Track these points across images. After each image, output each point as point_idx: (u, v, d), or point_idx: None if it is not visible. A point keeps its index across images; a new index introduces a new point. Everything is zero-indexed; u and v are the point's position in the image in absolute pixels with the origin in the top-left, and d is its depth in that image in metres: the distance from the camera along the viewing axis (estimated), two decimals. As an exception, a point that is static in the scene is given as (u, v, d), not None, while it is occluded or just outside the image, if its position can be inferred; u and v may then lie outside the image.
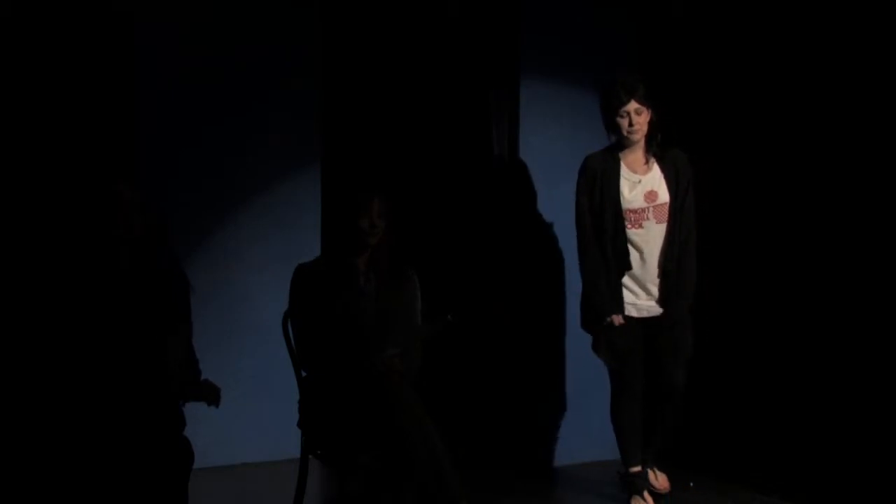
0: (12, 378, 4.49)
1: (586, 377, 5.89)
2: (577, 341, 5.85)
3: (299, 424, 4.51)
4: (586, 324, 5.16)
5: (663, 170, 5.02)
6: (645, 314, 5.04)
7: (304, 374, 4.54)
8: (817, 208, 5.51)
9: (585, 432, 5.90)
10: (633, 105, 4.92)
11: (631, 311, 5.03)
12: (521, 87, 5.83)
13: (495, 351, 5.95)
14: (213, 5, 5.59)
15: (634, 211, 4.97)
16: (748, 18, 5.78)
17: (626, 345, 5.03)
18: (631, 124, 4.94)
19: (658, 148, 5.03)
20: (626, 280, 5.01)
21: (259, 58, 5.67)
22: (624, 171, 5.00)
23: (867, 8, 5.25)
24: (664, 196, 5.00)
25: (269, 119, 5.72)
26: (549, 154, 5.82)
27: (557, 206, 5.81)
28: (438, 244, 6.13)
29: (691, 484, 5.35)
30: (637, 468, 5.12)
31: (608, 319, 4.99)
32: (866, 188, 5.31)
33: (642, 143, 5.01)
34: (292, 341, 4.51)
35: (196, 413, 4.11)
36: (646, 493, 5.11)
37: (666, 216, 5.00)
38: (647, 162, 5.03)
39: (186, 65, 5.53)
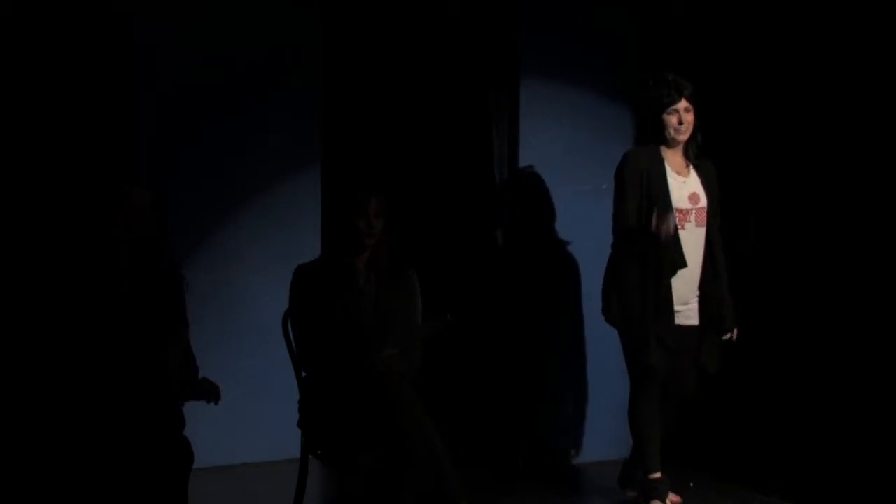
0: (12, 378, 4.49)
1: (588, 377, 5.90)
2: (579, 341, 5.86)
3: (299, 424, 4.51)
4: (627, 322, 4.94)
5: (699, 175, 4.98)
6: (688, 321, 4.94)
7: (304, 374, 4.54)
8: (816, 208, 5.51)
9: (587, 432, 5.91)
10: (683, 103, 4.88)
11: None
12: (521, 87, 5.83)
13: (496, 351, 5.95)
14: (213, 5, 5.59)
15: (680, 211, 4.87)
16: (748, 18, 5.78)
17: (663, 347, 4.88)
18: (680, 122, 4.88)
19: (697, 149, 4.97)
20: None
21: (259, 58, 5.67)
22: (668, 170, 4.93)
23: (868, 7, 5.26)
24: (703, 200, 4.95)
25: (269, 119, 5.72)
26: (549, 154, 5.82)
27: (557, 205, 5.83)
28: (438, 244, 6.13)
29: (691, 484, 5.34)
30: (657, 474, 5.01)
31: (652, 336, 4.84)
32: (866, 189, 5.31)
33: (682, 145, 4.96)
34: (292, 341, 4.51)
35: (196, 413, 4.11)
36: (668, 500, 5.06)
37: (705, 220, 4.94)
38: (686, 164, 4.98)
39: (186, 65, 5.53)
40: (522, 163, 5.83)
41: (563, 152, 5.81)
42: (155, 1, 5.47)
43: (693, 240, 4.92)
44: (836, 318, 5.40)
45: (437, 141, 6.25)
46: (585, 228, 5.67)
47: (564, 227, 5.82)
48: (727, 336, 5.06)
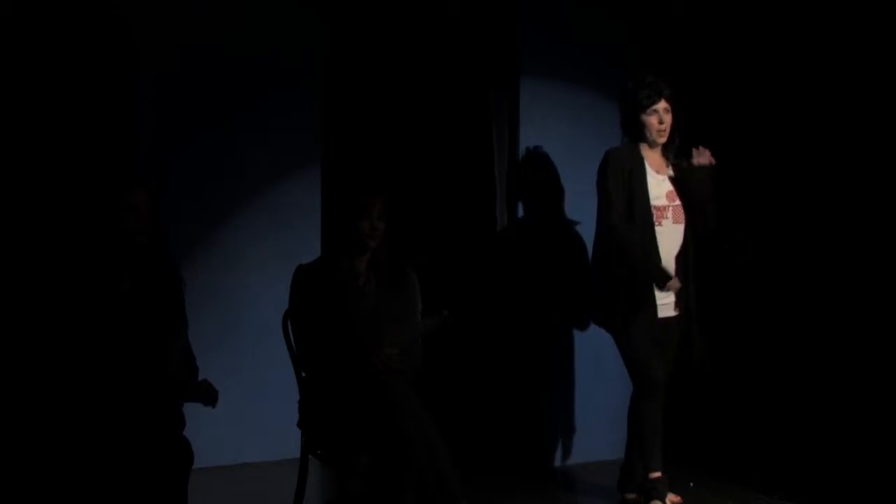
0: (14, 377, 4.49)
1: (587, 377, 5.90)
2: (579, 341, 5.86)
3: (299, 424, 4.51)
4: (612, 320, 5.02)
5: (677, 173, 5.03)
6: (665, 313, 5.00)
7: (304, 374, 4.54)
8: (815, 208, 5.51)
9: (587, 432, 5.91)
10: (662, 104, 4.94)
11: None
12: (521, 87, 5.83)
13: (496, 351, 5.95)
14: (213, 5, 5.59)
15: (657, 208, 4.96)
16: (748, 18, 5.78)
17: (653, 342, 4.96)
18: (661, 122, 4.95)
19: (677, 149, 5.03)
20: None
21: (259, 58, 5.67)
22: (647, 168, 4.99)
23: (868, 8, 5.26)
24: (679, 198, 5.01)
25: (269, 119, 5.72)
26: (549, 153, 5.82)
27: (557, 204, 5.82)
28: (438, 243, 6.13)
29: (691, 484, 5.35)
30: (657, 473, 5.02)
31: (669, 285, 4.89)
32: (865, 189, 5.32)
33: (662, 143, 5.02)
34: (292, 341, 4.51)
35: (196, 413, 4.11)
36: (667, 500, 5.08)
37: (682, 217, 5.01)
38: (666, 164, 5.04)
39: (187, 65, 5.53)
40: (522, 162, 5.83)
41: (563, 152, 5.81)
42: (156, 1, 5.47)
43: (670, 236, 4.99)
44: (835, 318, 5.40)
45: (438, 141, 6.25)
46: (585, 228, 5.67)
47: (564, 227, 5.82)
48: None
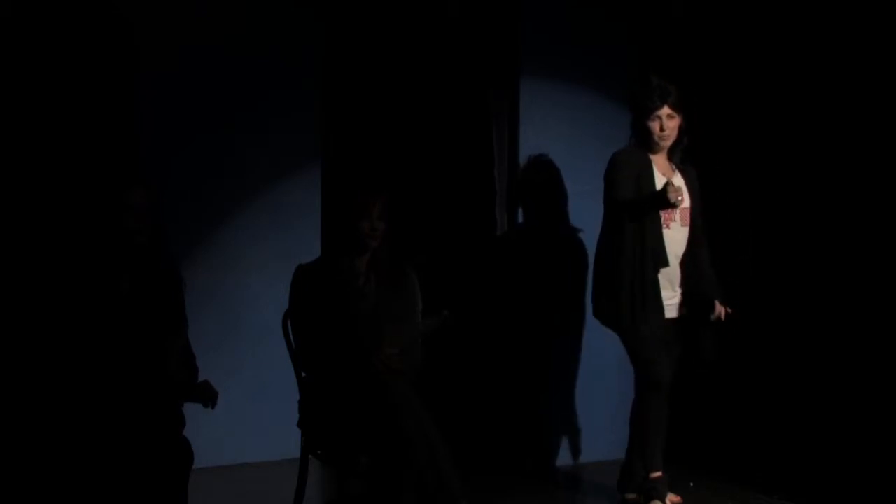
0: (14, 377, 4.49)
1: (587, 377, 5.90)
2: (579, 340, 5.86)
3: (299, 424, 4.51)
4: (618, 319, 4.99)
5: (685, 177, 5.04)
6: (671, 314, 5.00)
7: (304, 374, 4.54)
8: (815, 208, 5.51)
9: (587, 432, 5.91)
10: (665, 110, 4.92)
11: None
12: (521, 87, 5.83)
13: (497, 351, 5.95)
14: (213, 5, 5.59)
15: (665, 210, 4.92)
16: (748, 18, 5.79)
17: (659, 342, 4.95)
18: (662, 129, 4.93)
19: (683, 153, 5.03)
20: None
21: (259, 58, 5.67)
22: (655, 171, 4.97)
23: (868, 8, 5.26)
24: (688, 201, 5.00)
25: (269, 119, 5.72)
26: (549, 154, 5.82)
27: (557, 205, 5.83)
28: (438, 244, 6.13)
29: (691, 484, 5.35)
30: (658, 473, 5.02)
31: (670, 191, 4.76)
32: (865, 189, 5.32)
33: (666, 149, 5.01)
34: (292, 341, 4.51)
35: (196, 413, 4.11)
36: (667, 500, 5.08)
37: (689, 220, 5.01)
38: (672, 168, 5.03)
39: (187, 65, 5.53)
40: (522, 163, 5.83)
41: (563, 152, 5.81)
42: (155, 1, 5.47)
43: (677, 239, 5.00)
44: (835, 318, 5.40)
45: (438, 141, 6.25)
46: (585, 228, 5.67)
47: (564, 227, 5.82)
48: (715, 315, 5.05)
